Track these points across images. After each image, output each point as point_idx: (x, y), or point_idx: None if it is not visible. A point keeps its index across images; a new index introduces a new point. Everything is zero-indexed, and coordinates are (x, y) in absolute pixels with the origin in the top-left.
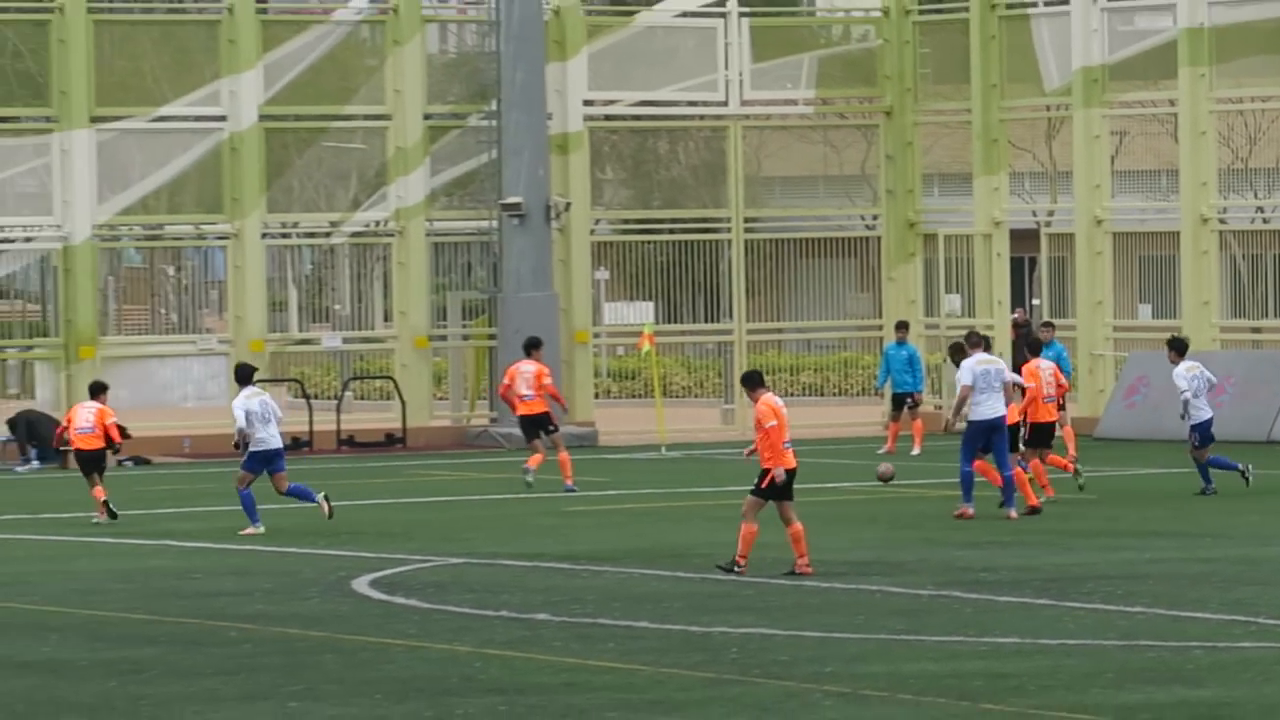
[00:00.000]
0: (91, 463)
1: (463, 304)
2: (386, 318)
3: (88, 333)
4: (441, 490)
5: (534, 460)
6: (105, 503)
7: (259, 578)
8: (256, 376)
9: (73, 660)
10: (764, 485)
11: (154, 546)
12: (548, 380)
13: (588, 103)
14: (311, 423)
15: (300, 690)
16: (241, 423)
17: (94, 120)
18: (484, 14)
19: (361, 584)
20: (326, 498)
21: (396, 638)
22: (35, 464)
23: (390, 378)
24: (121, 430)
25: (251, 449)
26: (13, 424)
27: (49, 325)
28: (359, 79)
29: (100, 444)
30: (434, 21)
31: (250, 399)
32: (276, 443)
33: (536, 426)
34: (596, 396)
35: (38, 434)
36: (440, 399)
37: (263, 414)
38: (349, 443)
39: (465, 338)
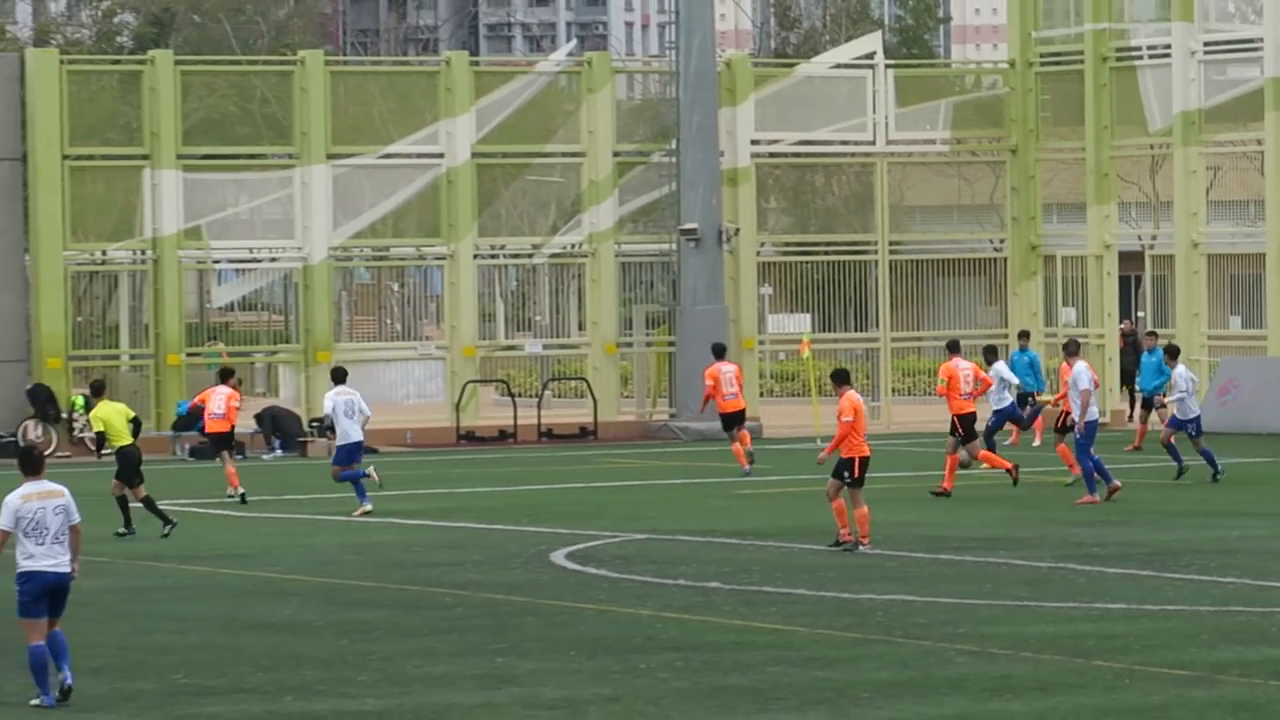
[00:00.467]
0: (222, 443)
1: (646, 315)
2: (580, 327)
3: (324, 339)
4: (627, 476)
5: (743, 446)
6: (235, 482)
7: (470, 550)
8: (468, 378)
9: (310, 621)
10: (857, 475)
11: (380, 524)
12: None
13: (754, 142)
14: (516, 417)
15: (505, 648)
16: (328, 411)
17: (330, 157)
18: (665, 66)
19: (559, 556)
20: (374, 468)
21: (588, 603)
22: (279, 452)
23: (583, 379)
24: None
25: (337, 443)
26: (260, 418)
27: (290, 333)
28: (557, 121)
29: (229, 426)
30: (622, 72)
31: (339, 396)
32: (357, 436)
33: (735, 421)
34: (761, 395)
35: (281, 427)
36: (626, 397)
37: (346, 410)
38: (548, 435)
39: (648, 344)
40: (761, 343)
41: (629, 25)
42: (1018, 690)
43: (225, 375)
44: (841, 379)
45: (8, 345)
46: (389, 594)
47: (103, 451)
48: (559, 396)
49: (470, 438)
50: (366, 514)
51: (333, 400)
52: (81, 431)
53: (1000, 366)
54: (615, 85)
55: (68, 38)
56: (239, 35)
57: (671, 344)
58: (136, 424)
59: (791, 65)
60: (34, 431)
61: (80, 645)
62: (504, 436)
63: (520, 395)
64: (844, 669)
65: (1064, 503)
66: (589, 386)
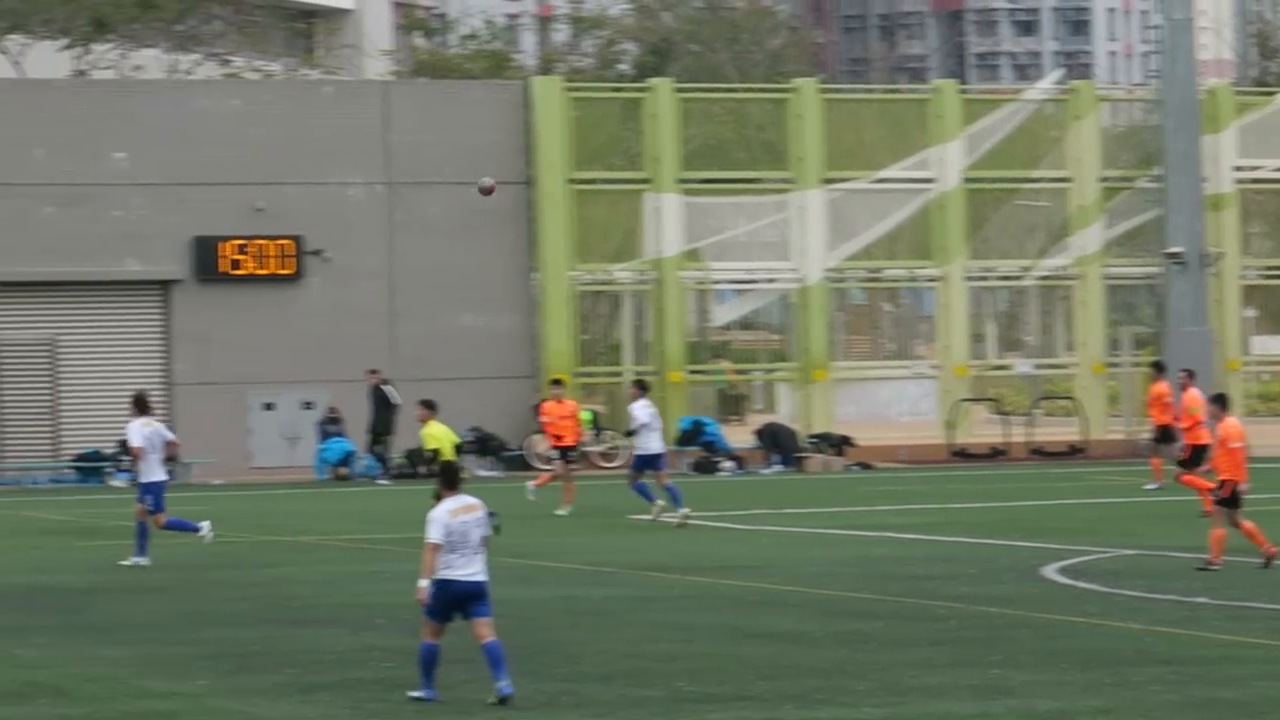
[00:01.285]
0: (565, 455)
1: (1132, 336)
2: (1068, 347)
3: (820, 358)
4: (1116, 493)
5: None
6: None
7: (963, 564)
8: (959, 397)
9: (809, 632)
10: (1227, 495)
11: (875, 537)
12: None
13: (1237, 168)
14: (1006, 435)
15: (999, 659)
16: (643, 422)
17: (825, 182)
18: (1149, 94)
19: (1050, 570)
20: (660, 508)
21: (1080, 616)
22: (777, 468)
23: (1072, 397)
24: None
25: (635, 452)
26: (760, 433)
27: (788, 352)
28: (1044, 148)
29: (570, 440)
30: (1106, 100)
31: (647, 409)
32: (657, 448)
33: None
34: (1245, 415)
35: (780, 443)
36: (1114, 416)
37: (651, 423)
38: (1038, 452)
39: (1135, 365)
40: (1246, 364)
41: (1112, 54)
42: None
43: (554, 385)
44: (1223, 403)
45: (516, 363)
46: (885, 606)
47: (432, 468)
48: (1048, 415)
49: (962, 454)
50: (685, 519)
51: (644, 413)
52: (587, 445)
53: None
54: (1100, 113)
55: (571, 66)
56: (736, 63)
57: None
58: (458, 446)
59: (1272, 93)
60: (541, 446)
61: (590, 652)
62: (995, 453)
63: (1010, 414)
64: None
65: None
66: (1078, 405)
